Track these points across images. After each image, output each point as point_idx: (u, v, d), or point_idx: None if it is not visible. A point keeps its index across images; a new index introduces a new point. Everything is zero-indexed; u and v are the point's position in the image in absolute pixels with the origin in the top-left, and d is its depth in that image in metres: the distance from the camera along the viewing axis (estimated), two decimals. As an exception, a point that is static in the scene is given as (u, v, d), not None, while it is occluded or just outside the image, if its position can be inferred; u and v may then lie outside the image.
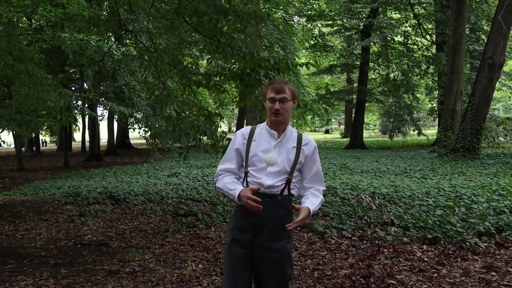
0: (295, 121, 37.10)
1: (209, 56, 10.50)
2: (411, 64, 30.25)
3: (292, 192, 3.37)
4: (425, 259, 6.11)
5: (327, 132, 67.33)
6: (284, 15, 33.84)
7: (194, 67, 17.54)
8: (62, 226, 9.18)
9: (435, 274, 5.53)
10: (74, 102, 22.00)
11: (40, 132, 39.11)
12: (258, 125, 3.48)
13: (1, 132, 24.36)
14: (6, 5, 11.30)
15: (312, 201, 3.33)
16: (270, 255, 3.28)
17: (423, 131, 35.93)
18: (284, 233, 3.31)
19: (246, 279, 3.30)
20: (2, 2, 11.19)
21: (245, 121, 32.68)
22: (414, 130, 31.86)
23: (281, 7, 32.21)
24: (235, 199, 3.27)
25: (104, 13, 10.49)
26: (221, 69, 9.85)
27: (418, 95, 33.74)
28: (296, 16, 36.78)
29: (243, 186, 3.34)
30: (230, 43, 8.93)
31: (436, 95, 31.22)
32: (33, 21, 13.11)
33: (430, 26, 31.95)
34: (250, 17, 8.90)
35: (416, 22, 30.96)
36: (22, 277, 5.97)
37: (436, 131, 29.49)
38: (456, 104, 22.28)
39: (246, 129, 3.50)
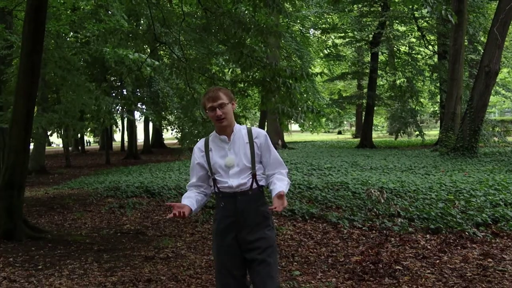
0: (310, 123, 36.97)
1: (232, 66, 10.54)
2: (415, 72, 30.07)
3: (261, 183, 3.25)
4: (428, 247, 6.08)
5: (339, 133, 66.89)
6: (301, 28, 33.80)
7: (220, 74, 17.58)
8: (104, 217, 9.27)
9: (437, 261, 5.50)
10: (115, 106, 22.14)
11: (85, 133, 39.50)
12: (210, 134, 3.37)
13: (51, 134, 24.70)
14: (55, 21, 11.44)
15: (280, 185, 3.16)
16: (255, 245, 3.16)
17: (426, 132, 35.59)
18: (263, 223, 3.22)
19: (239, 280, 3.21)
20: (52, 19, 11.34)
21: (266, 122, 32.64)
22: (415, 131, 31.57)
23: (298, 21, 32.18)
24: None
25: (140, 27, 10.58)
26: (245, 76, 9.87)
27: (421, 100, 33.45)
28: (311, 29, 36.73)
29: (215, 191, 3.28)
30: (252, 54, 8.95)
31: (438, 100, 30.95)
32: (79, 35, 13.27)
33: (432, 37, 31.68)
34: (270, 32, 8.92)
35: (420, 34, 30.72)
36: (70, 261, 6.05)
37: (438, 132, 29.23)
38: (456, 107, 22.05)
39: (201, 142, 3.38)
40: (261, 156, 3.28)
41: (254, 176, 3.22)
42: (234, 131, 3.27)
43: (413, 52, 32.17)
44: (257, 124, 36.07)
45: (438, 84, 29.63)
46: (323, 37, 36.86)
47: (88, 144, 56.64)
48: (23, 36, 7.44)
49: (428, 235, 6.67)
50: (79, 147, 40.27)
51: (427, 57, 32.39)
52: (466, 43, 25.82)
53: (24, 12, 8.47)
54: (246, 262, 3.21)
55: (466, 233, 6.54)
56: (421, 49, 32.77)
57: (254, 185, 3.21)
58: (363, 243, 6.47)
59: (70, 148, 30.67)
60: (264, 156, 3.28)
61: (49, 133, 20.57)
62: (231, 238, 3.20)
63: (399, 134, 32.58)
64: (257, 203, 3.23)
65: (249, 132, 3.29)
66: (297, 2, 28.36)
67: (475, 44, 28.73)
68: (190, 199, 3.24)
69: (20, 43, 7.96)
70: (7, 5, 12.44)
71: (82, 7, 12.27)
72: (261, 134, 3.31)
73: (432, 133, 44.26)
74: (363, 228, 7.27)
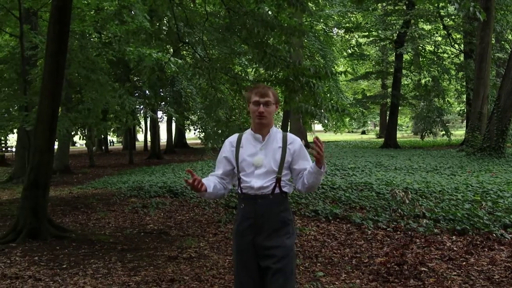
0: (334, 123, 36.81)
1: (255, 65, 10.54)
2: (440, 71, 29.78)
3: (284, 189, 3.20)
4: (455, 248, 6.02)
5: (363, 133, 66.58)
6: (324, 27, 33.65)
7: (243, 74, 17.58)
8: (127, 216, 9.36)
9: (464, 263, 5.45)
10: (137, 107, 22.27)
11: (108, 133, 39.90)
12: (244, 131, 3.34)
13: (74, 135, 24.97)
14: (79, 21, 11.59)
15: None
16: (271, 252, 3.12)
17: (452, 132, 35.16)
18: (282, 229, 3.18)
19: (256, 282, 3.19)
20: (77, 19, 11.49)
21: (289, 122, 32.58)
22: (441, 131, 31.20)
23: (321, 20, 32.07)
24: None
25: (164, 27, 10.67)
26: (268, 75, 9.87)
27: (448, 99, 33.09)
28: (335, 28, 36.56)
29: (238, 192, 3.27)
30: (275, 54, 8.95)
31: (465, 99, 30.62)
32: (102, 36, 13.42)
33: (458, 36, 31.34)
34: (294, 31, 8.90)
35: (446, 32, 30.40)
36: (94, 261, 6.12)
37: (464, 131, 28.91)
38: (483, 107, 21.79)
39: (234, 137, 3.35)
40: (294, 163, 3.25)
41: (278, 180, 3.18)
42: (270, 133, 3.26)
43: (439, 51, 31.85)
44: (280, 124, 35.98)
45: (464, 83, 29.31)
46: (347, 36, 36.70)
47: (112, 144, 57.18)
48: (48, 37, 7.54)
49: (454, 237, 6.60)
50: (103, 147, 40.71)
51: (453, 56, 32.05)
52: (493, 42, 25.51)
53: (49, 13, 8.58)
54: (260, 270, 3.19)
55: (494, 234, 6.46)
56: (447, 47, 32.44)
57: (277, 190, 3.18)
58: (388, 244, 6.43)
59: (93, 148, 30.99)
60: (298, 163, 3.24)
61: (72, 133, 20.76)
62: (250, 240, 3.19)
63: (425, 134, 32.23)
64: (279, 208, 3.19)
65: (284, 137, 3.27)
66: (320, 1, 28.30)
67: (502, 42, 28.37)
68: (209, 182, 3.24)
69: (45, 44, 8.07)
70: (33, 6, 12.64)
71: (106, 8, 12.40)
72: (296, 141, 3.28)
73: (458, 133, 43.79)
74: (388, 229, 7.23)
